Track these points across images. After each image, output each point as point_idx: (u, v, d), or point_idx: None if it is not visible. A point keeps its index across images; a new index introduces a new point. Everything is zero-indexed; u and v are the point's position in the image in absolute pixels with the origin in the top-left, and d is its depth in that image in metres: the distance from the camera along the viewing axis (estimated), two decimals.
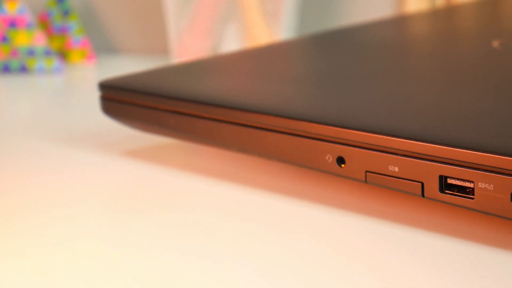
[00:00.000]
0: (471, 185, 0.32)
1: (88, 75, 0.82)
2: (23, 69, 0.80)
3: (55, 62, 0.80)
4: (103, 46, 0.93)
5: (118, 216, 0.39)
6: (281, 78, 0.46)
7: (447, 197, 0.33)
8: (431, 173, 0.33)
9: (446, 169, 0.32)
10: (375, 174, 0.35)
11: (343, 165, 0.36)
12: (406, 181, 0.34)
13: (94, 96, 0.49)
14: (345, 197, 0.39)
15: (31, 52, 0.80)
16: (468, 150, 0.32)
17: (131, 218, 0.38)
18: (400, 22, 0.62)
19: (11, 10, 0.80)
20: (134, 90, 0.45)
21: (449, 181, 0.33)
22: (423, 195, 0.33)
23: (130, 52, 0.93)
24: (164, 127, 0.44)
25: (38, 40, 0.80)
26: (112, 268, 0.33)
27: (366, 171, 0.35)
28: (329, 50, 0.55)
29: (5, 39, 0.80)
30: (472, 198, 0.32)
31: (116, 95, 0.46)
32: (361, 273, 0.32)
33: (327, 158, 0.36)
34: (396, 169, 0.34)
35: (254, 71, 0.49)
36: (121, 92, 0.46)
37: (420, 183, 0.33)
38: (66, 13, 0.86)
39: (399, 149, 0.34)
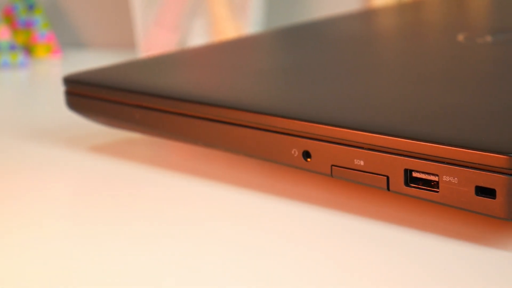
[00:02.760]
0: (436, 179, 0.32)
1: (53, 69, 0.81)
2: None
3: (20, 57, 0.79)
4: (69, 41, 0.92)
5: (83, 211, 0.39)
6: (247, 73, 0.46)
7: (412, 190, 0.33)
8: (396, 166, 0.33)
9: (411, 163, 0.33)
10: (341, 168, 0.35)
11: (309, 159, 0.36)
12: (371, 174, 0.34)
13: (60, 91, 0.48)
14: (311, 191, 0.39)
15: None
16: (432, 143, 0.32)
17: (96, 213, 0.38)
18: (367, 16, 0.63)
19: None
20: (99, 84, 0.45)
21: (414, 174, 0.33)
22: (388, 188, 0.34)
23: (97, 46, 0.92)
24: (130, 122, 0.44)
25: (2, 34, 0.79)
26: (78, 264, 0.32)
27: (332, 165, 0.35)
28: (295, 44, 0.55)
29: None
30: (437, 191, 0.32)
31: (81, 89, 0.46)
32: (326, 266, 0.32)
33: (293, 152, 0.36)
34: (362, 163, 0.34)
35: (220, 66, 0.49)
36: (86, 86, 0.46)
37: (386, 177, 0.33)
38: (31, 7, 0.85)
39: (364, 143, 0.34)
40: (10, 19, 0.86)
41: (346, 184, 0.38)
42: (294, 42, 0.55)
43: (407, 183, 0.33)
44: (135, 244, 0.34)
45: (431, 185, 0.32)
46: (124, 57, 0.66)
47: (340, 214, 0.36)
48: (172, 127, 0.41)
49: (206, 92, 0.41)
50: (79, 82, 0.46)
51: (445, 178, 0.32)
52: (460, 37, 0.49)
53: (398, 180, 0.33)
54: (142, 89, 0.43)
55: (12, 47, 0.79)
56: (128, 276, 0.31)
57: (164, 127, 0.42)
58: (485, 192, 0.31)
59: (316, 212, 0.36)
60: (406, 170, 0.33)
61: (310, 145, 0.36)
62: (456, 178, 0.31)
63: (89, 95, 0.46)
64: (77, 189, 0.42)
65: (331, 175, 0.35)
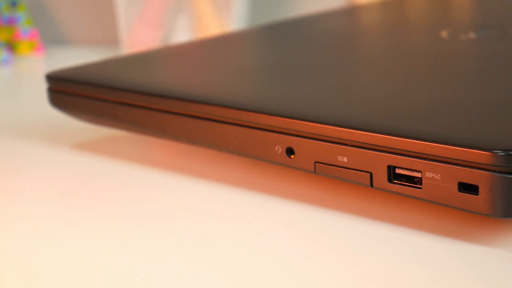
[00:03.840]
0: (419, 175, 0.32)
1: (36, 66, 0.81)
2: None
3: (3, 54, 0.79)
4: (52, 38, 0.92)
5: (66, 209, 0.38)
6: (231, 69, 0.46)
7: (395, 187, 0.33)
8: (379, 163, 0.33)
9: (394, 159, 0.33)
10: (324, 165, 0.35)
11: (292, 156, 0.36)
12: (355, 171, 0.34)
13: (43, 88, 0.48)
14: (295, 188, 0.39)
15: None
16: (415, 140, 0.32)
17: (79, 210, 0.38)
18: (351, 13, 0.63)
19: None
20: (82, 81, 0.45)
21: (398, 171, 0.33)
22: (371, 185, 0.34)
23: (80, 43, 0.91)
24: (113, 119, 0.43)
25: None
26: (61, 262, 0.32)
27: (315, 162, 0.35)
28: (280, 41, 0.55)
29: None
30: (420, 188, 0.32)
31: (64, 87, 0.46)
32: (310, 263, 0.32)
33: (276, 149, 0.36)
34: (345, 159, 0.34)
35: (204, 62, 0.49)
36: (68, 83, 0.45)
37: (369, 173, 0.33)
38: (13, 4, 0.85)
39: (347, 140, 0.34)
40: None
41: (329, 180, 0.38)
42: (278, 39, 0.55)
43: (390, 180, 0.33)
44: (118, 241, 0.34)
45: (414, 181, 0.32)
46: (107, 54, 0.66)
47: (324, 211, 0.36)
48: (155, 124, 0.41)
49: (189, 89, 0.41)
50: (62, 79, 0.46)
51: (428, 174, 0.32)
52: (444, 34, 0.49)
53: (381, 176, 0.33)
54: (124, 86, 0.43)
55: None
56: (111, 273, 0.31)
57: (147, 124, 0.42)
58: (468, 188, 0.31)
59: (299, 209, 0.36)
60: (389, 167, 0.33)
61: (293, 142, 0.36)
62: (439, 175, 0.31)
63: (71, 92, 0.45)
64: (59, 186, 0.42)
65: (315, 171, 0.35)
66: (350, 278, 0.30)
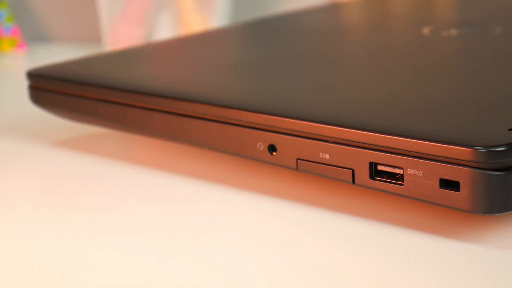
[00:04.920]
0: (401, 172, 0.32)
1: (18, 64, 0.80)
2: None
3: None
4: (34, 34, 0.92)
5: (47, 206, 0.38)
6: (213, 66, 0.46)
7: (377, 183, 0.33)
8: (361, 160, 0.33)
9: (376, 156, 0.33)
10: (306, 162, 0.35)
11: (274, 153, 0.36)
12: (336, 168, 0.34)
13: (24, 86, 0.48)
14: (277, 185, 0.39)
15: None
16: (397, 136, 0.32)
17: (61, 208, 0.37)
18: (333, 10, 0.63)
19: None
20: (63, 78, 0.45)
21: (379, 167, 0.33)
22: (353, 182, 0.34)
23: (62, 40, 0.91)
24: (94, 116, 0.43)
25: None
26: (42, 259, 0.32)
27: (297, 159, 0.35)
28: (262, 37, 0.54)
29: None
30: (402, 184, 0.32)
31: (45, 84, 0.46)
32: (291, 259, 0.32)
33: (258, 146, 0.36)
34: (327, 156, 0.34)
35: (186, 59, 0.49)
36: (49, 81, 0.45)
37: (351, 170, 0.33)
38: None
39: (329, 137, 0.34)
40: None
41: (311, 177, 0.38)
42: (260, 36, 0.55)
43: (372, 176, 0.33)
44: (99, 237, 0.34)
45: (396, 178, 0.32)
46: (89, 51, 0.66)
47: (306, 208, 0.36)
48: (137, 121, 0.41)
49: (170, 86, 0.41)
50: (43, 76, 0.46)
51: (410, 171, 0.32)
52: (425, 30, 0.49)
53: (363, 173, 0.33)
54: (106, 84, 0.43)
55: None
56: (91, 270, 0.31)
57: (129, 121, 0.41)
58: (449, 184, 0.31)
59: (281, 206, 0.36)
60: (371, 163, 0.33)
61: (275, 138, 0.36)
62: (420, 171, 0.31)
63: (53, 89, 0.45)
64: (41, 183, 0.42)
65: (297, 168, 0.35)
66: (330, 274, 0.30)
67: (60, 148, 0.46)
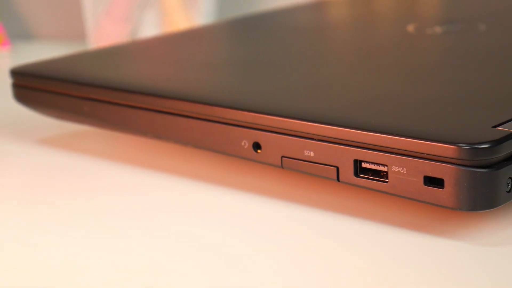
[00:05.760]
0: (385, 169, 0.32)
1: (2, 62, 0.80)
2: None
3: None
4: (18, 32, 0.91)
5: (31, 204, 0.38)
6: (197, 64, 0.45)
7: (362, 181, 0.33)
8: (345, 157, 0.33)
9: (361, 153, 0.33)
10: (291, 159, 0.35)
11: (259, 151, 0.36)
12: (321, 165, 0.34)
13: (8, 84, 0.48)
14: (261, 182, 0.39)
15: None
16: (381, 134, 0.32)
17: (44, 206, 0.37)
18: (318, 8, 0.63)
19: None
20: (47, 76, 0.44)
21: (364, 165, 0.33)
22: (338, 179, 0.34)
23: (46, 38, 0.91)
24: (78, 114, 0.43)
25: None
26: (23, 256, 0.32)
27: (282, 156, 0.35)
28: (247, 35, 0.54)
29: None
30: (386, 182, 0.32)
31: (29, 82, 0.45)
32: (276, 257, 0.32)
33: (243, 143, 0.36)
34: (312, 153, 0.34)
35: (171, 57, 0.49)
36: (33, 79, 0.45)
37: (335, 168, 0.33)
38: None
39: (314, 134, 0.34)
40: None
41: (296, 175, 0.38)
42: (246, 33, 0.55)
43: (357, 174, 0.33)
44: (83, 235, 0.34)
45: (380, 175, 0.33)
46: (74, 49, 0.65)
47: (291, 205, 0.36)
48: (121, 119, 0.41)
49: (155, 84, 0.41)
50: (27, 74, 0.46)
51: (394, 168, 0.32)
52: (410, 28, 0.49)
53: (348, 171, 0.33)
54: (90, 81, 0.42)
55: None
56: (72, 267, 0.31)
57: (113, 119, 0.41)
58: (433, 182, 0.31)
59: (266, 204, 0.36)
60: (355, 161, 0.33)
61: (260, 136, 0.35)
62: (404, 168, 0.31)
63: (36, 87, 0.45)
64: (25, 182, 0.41)
65: (282, 166, 0.35)
66: (317, 271, 0.30)
67: (44, 146, 0.46)
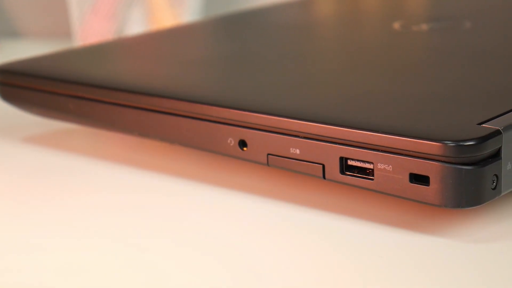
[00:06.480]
0: (371, 166, 0.32)
1: None
2: None
3: None
4: (3, 30, 0.91)
5: (17, 203, 0.38)
6: (183, 62, 0.45)
7: (347, 178, 0.33)
8: (331, 155, 0.33)
9: (346, 151, 0.33)
10: (277, 157, 0.35)
11: (245, 149, 0.36)
12: (307, 163, 0.34)
13: None
14: (248, 180, 0.39)
15: None
16: (367, 131, 0.32)
17: (30, 205, 0.37)
18: (304, 5, 0.63)
19: None
20: (32, 74, 0.44)
21: (350, 162, 0.33)
22: (324, 177, 0.34)
23: (32, 35, 0.90)
24: (64, 112, 0.43)
25: None
26: (12, 255, 0.32)
27: (268, 154, 0.35)
28: (233, 33, 0.54)
29: None
30: (372, 179, 0.32)
31: (14, 80, 0.45)
32: (262, 254, 0.32)
33: (229, 141, 0.36)
34: (297, 151, 0.34)
35: (157, 55, 0.49)
36: (18, 76, 0.45)
37: (321, 165, 0.34)
38: None
39: (300, 132, 0.34)
40: None
41: (282, 173, 0.38)
42: (231, 31, 0.55)
43: (342, 171, 0.33)
44: (69, 234, 0.34)
45: (366, 173, 0.33)
46: (60, 46, 0.65)
47: (277, 203, 0.36)
48: (107, 117, 0.41)
49: (140, 82, 0.41)
50: (12, 72, 0.45)
51: (380, 165, 0.32)
52: (396, 25, 0.49)
53: (333, 168, 0.33)
54: (76, 79, 0.42)
55: None
56: (59, 266, 0.31)
57: (99, 117, 0.41)
58: (419, 179, 0.31)
59: (252, 201, 0.36)
60: (341, 158, 0.33)
61: (246, 134, 0.35)
62: (390, 166, 0.31)
63: (22, 85, 0.45)
64: (10, 179, 0.41)
65: (268, 164, 0.35)
66: (303, 269, 0.30)
67: (30, 144, 0.46)
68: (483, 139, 0.30)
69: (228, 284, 0.30)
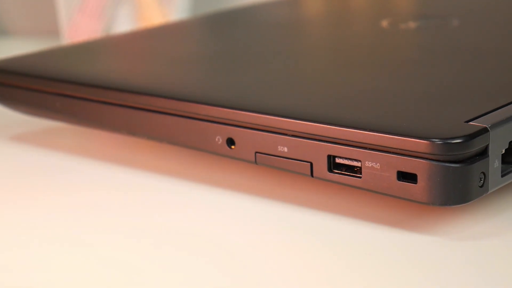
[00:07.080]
0: (359, 164, 0.32)
1: None
2: None
3: None
4: None
5: (3, 202, 0.38)
6: (171, 60, 0.45)
7: (335, 176, 0.33)
8: (319, 153, 0.33)
9: (334, 149, 0.33)
10: (265, 155, 0.35)
11: (233, 147, 0.36)
12: (295, 161, 0.34)
13: None
14: (236, 178, 0.39)
15: None
16: (355, 129, 0.32)
17: (17, 203, 0.37)
18: (293, 3, 0.63)
19: None
20: (20, 72, 0.44)
21: (338, 160, 0.33)
22: (312, 175, 0.34)
23: (19, 33, 0.90)
24: (51, 111, 0.43)
25: None
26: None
27: (256, 152, 0.35)
28: (221, 31, 0.54)
29: None
30: (360, 177, 0.32)
31: (1, 78, 0.45)
32: (249, 253, 0.32)
33: (217, 139, 0.36)
34: (285, 149, 0.34)
35: (145, 53, 0.49)
36: (6, 75, 0.45)
37: (309, 163, 0.34)
38: None
39: (287, 130, 0.34)
40: None
41: (270, 171, 0.38)
42: (219, 29, 0.55)
43: (330, 169, 0.33)
44: (56, 233, 0.34)
45: (354, 171, 0.33)
46: (48, 44, 0.65)
47: (265, 201, 0.36)
48: (94, 116, 0.41)
49: (128, 80, 0.41)
50: None
51: (368, 163, 0.32)
52: (384, 23, 0.49)
53: (321, 166, 0.33)
54: (63, 77, 0.42)
55: None
56: (46, 266, 0.31)
57: (86, 116, 0.41)
58: (406, 177, 0.31)
59: (240, 200, 0.36)
60: (329, 156, 0.33)
61: (233, 132, 0.35)
62: (378, 164, 0.32)
63: (9, 83, 0.44)
64: None
65: (255, 162, 0.35)
66: (291, 267, 0.30)
67: (17, 143, 0.45)
68: (470, 137, 0.30)
69: (219, 283, 0.30)
